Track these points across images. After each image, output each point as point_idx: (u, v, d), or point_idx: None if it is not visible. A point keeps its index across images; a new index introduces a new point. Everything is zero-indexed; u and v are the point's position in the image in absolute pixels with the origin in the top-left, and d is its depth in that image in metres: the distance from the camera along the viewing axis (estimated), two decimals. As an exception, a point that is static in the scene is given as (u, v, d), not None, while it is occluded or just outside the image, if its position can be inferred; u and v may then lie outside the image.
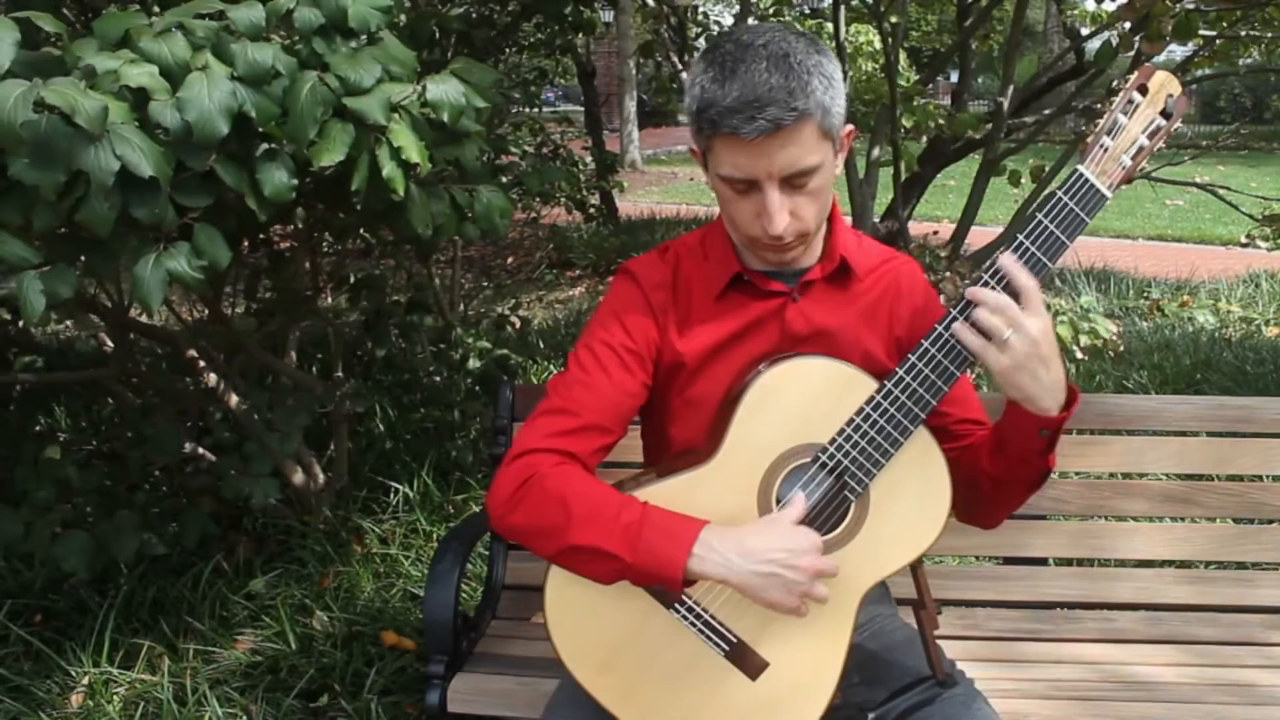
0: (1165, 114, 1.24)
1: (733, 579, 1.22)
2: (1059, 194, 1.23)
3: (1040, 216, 1.23)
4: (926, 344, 1.26)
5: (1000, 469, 1.31)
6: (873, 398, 1.27)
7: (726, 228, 1.41)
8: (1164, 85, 1.23)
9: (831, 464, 1.28)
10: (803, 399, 1.30)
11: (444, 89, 1.60)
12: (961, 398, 1.42)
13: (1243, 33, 4.08)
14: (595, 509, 1.24)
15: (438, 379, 3.64)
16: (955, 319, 1.24)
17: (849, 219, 4.61)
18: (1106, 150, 1.23)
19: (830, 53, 1.28)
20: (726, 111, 1.21)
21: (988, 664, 1.82)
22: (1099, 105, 1.27)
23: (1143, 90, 1.24)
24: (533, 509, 1.27)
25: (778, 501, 1.30)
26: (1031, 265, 1.23)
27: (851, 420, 1.28)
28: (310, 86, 1.50)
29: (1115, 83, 1.29)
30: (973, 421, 1.43)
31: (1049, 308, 3.47)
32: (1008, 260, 1.21)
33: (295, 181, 1.57)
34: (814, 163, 1.25)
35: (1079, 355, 4.44)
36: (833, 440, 1.28)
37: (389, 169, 1.56)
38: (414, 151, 1.56)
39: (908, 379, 1.27)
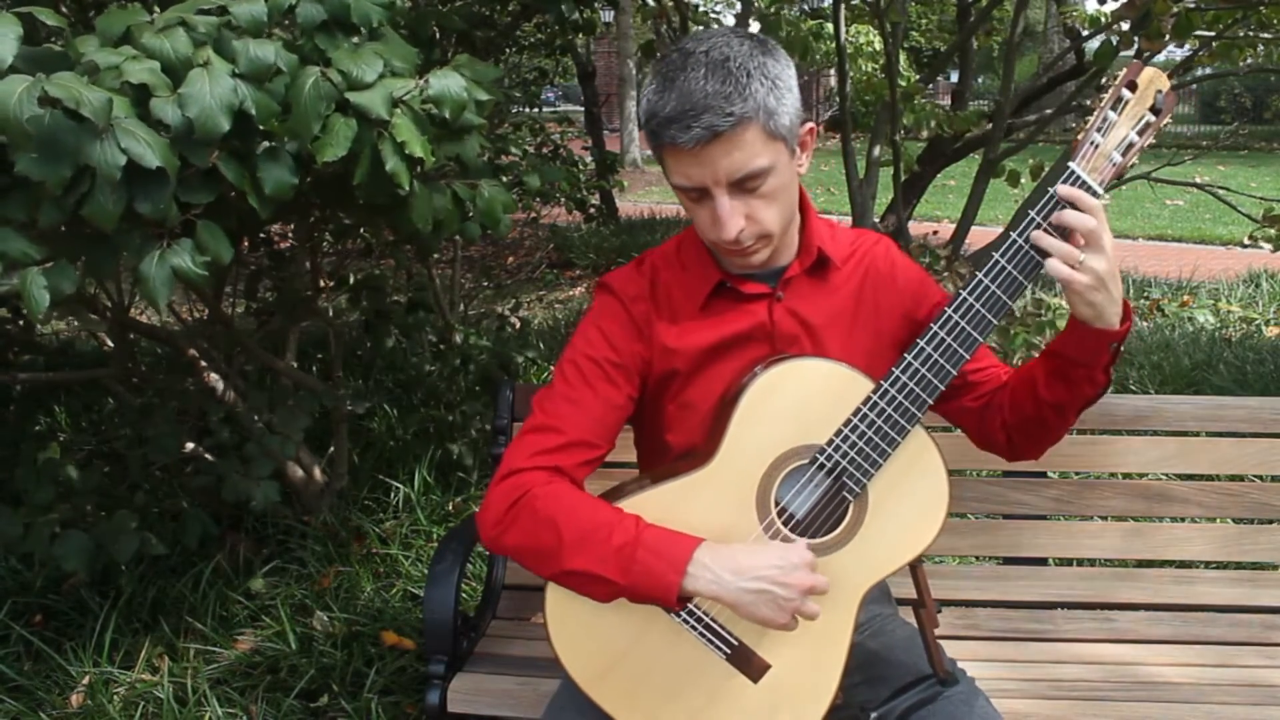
0: (1155, 110, 1.24)
1: (725, 596, 1.22)
2: (1051, 190, 1.23)
3: (1032, 213, 1.23)
4: (922, 343, 1.26)
5: (1061, 394, 1.31)
6: (869, 398, 1.27)
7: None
8: (1152, 81, 1.23)
9: (829, 465, 1.28)
10: (800, 400, 1.30)
11: (446, 83, 1.59)
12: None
13: (1240, 34, 4.09)
14: (587, 531, 1.24)
15: (438, 379, 3.64)
16: (1037, 225, 1.21)
17: (848, 219, 4.62)
18: (1097, 147, 1.23)
19: (781, 54, 1.26)
20: (665, 122, 1.21)
21: (988, 663, 1.82)
22: (1091, 103, 1.27)
23: (1131, 87, 1.23)
24: (524, 531, 1.27)
25: (776, 504, 1.30)
26: (1024, 262, 1.24)
27: (849, 421, 1.28)
28: (313, 82, 1.49)
29: (1104, 80, 1.29)
30: (988, 366, 1.44)
31: (1049, 308, 3.49)
32: (1065, 189, 1.20)
33: (296, 180, 1.57)
34: (762, 165, 1.24)
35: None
36: (830, 441, 1.28)
37: (392, 163, 1.55)
38: (417, 145, 1.55)
39: (904, 379, 1.27)
